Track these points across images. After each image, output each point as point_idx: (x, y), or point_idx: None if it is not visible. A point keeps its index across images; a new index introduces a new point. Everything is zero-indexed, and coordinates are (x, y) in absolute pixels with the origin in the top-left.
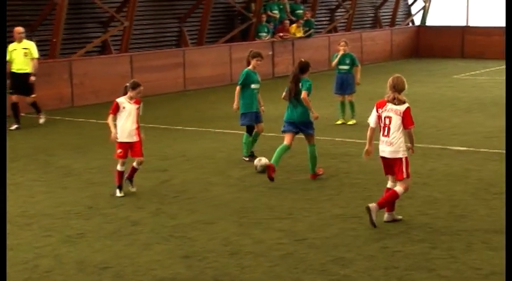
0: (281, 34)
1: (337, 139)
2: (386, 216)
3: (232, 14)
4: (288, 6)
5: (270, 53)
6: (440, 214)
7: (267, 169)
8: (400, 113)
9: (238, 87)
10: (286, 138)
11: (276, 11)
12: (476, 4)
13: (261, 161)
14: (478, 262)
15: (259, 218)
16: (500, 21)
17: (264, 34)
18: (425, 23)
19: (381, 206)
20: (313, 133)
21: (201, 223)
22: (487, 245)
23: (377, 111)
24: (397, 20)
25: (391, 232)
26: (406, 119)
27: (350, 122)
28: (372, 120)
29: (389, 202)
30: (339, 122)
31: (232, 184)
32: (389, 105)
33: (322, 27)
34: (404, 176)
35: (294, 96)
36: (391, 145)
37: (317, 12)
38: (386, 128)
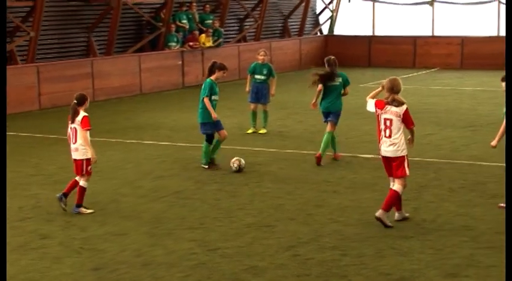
0: (190, 44)
1: (248, 148)
2: (396, 215)
3: (141, 23)
4: (197, 16)
5: (180, 62)
6: (351, 221)
7: (315, 159)
8: (400, 115)
9: (206, 99)
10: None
11: (185, 21)
12: (382, 14)
13: (242, 161)
14: (388, 268)
15: (171, 228)
16: (407, 31)
17: (174, 44)
18: (333, 32)
19: (386, 209)
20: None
21: (112, 235)
22: (396, 250)
23: (376, 111)
24: (306, 29)
25: (303, 240)
26: (407, 120)
27: (261, 131)
28: (370, 105)
29: (393, 202)
30: (250, 131)
31: (143, 195)
32: (389, 107)
33: (232, 37)
34: (406, 173)
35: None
36: (394, 145)
37: (226, 21)
38: (388, 130)
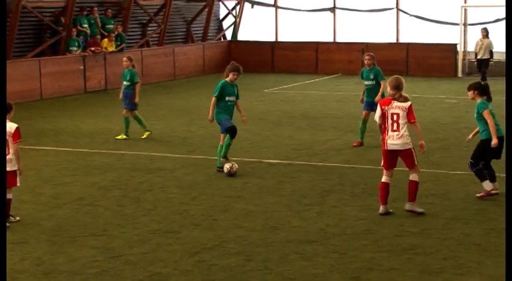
0: (92, 48)
1: (151, 154)
2: (408, 206)
3: (41, 27)
4: (98, 21)
5: (81, 67)
6: (255, 226)
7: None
8: (405, 109)
9: (213, 99)
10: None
11: (86, 25)
12: (285, 20)
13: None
14: (292, 272)
15: (73, 236)
16: (309, 37)
17: (75, 48)
18: (236, 38)
19: (412, 199)
20: None
21: (12, 243)
22: (300, 255)
23: (381, 110)
24: (209, 35)
25: (207, 245)
26: (410, 114)
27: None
28: (377, 117)
29: (416, 191)
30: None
31: (44, 202)
32: (395, 103)
33: (135, 42)
34: (416, 163)
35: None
36: (402, 138)
37: (129, 26)
38: (395, 124)
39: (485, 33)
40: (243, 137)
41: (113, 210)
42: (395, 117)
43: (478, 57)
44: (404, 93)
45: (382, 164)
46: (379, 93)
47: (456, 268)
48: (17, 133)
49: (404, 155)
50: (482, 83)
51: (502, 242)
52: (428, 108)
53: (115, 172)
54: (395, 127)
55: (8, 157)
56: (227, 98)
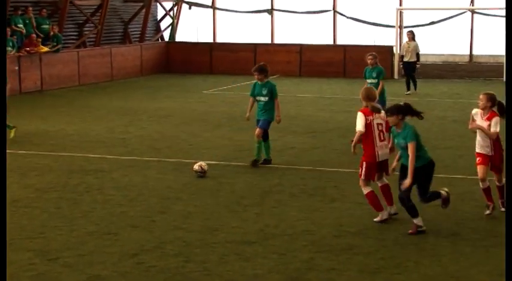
0: (28, 49)
1: (89, 155)
2: (392, 210)
3: None
4: (33, 21)
5: (16, 68)
6: (194, 227)
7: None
8: (385, 119)
9: (251, 98)
10: None
11: (21, 25)
12: (223, 21)
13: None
14: (232, 273)
15: (9, 238)
16: (247, 39)
17: (9, 48)
18: (174, 39)
19: (393, 202)
20: None
21: None
22: (239, 256)
23: (366, 120)
24: (147, 35)
25: (146, 247)
26: (387, 124)
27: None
28: (362, 125)
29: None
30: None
31: None
32: (377, 113)
33: (71, 42)
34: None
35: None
36: (387, 147)
37: (65, 27)
38: (381, 134)
39: (412, 36)
40: (182, 138)
41: (49, 212)
42: (380, 127)
43: (405, 60)
44: (375, 104)
45: (364, 177)
46: (378, 92)
47: (394, 267)
48: None
49: (386, 164)
50: (403, 104)
51: (439, 242)
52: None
53: (52, 174)
54: (382, 137)
55: None
56: (257, 98)
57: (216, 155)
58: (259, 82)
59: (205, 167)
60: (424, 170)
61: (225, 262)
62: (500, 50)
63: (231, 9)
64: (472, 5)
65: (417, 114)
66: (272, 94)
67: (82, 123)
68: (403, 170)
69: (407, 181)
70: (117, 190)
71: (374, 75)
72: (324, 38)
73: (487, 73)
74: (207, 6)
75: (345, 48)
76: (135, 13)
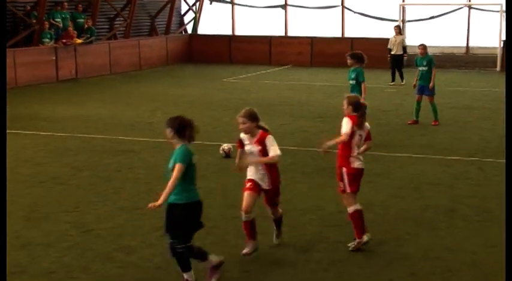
0: (64, 41)
1: (119, 137)
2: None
3: (15, 20)
4: (69, 15)
5: (53, 58)
6: (215, 202)
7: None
8: (367, 131)
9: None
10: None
11: (59, 19)
12: (241, 16)
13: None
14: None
15: (48, 212)
16: (263, 31)
17: (47, 40)
18: (196, 31)
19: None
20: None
21: None
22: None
23: (352, 128)
24: (171, 28)
25: None
26: (369, 135)
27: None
28: (347, 135)
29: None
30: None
31: (21, 181)
32: (364, 124)
33: (103, 35)
34: None
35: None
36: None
37: (97, 20)
38: (358, 145)
39: (398, 30)
40: (206, 122)
41: (84, 188)
42: (360, 138)
43: (392, 52)
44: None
45: (347, 189)
46: (432, 79)
47: (394, 239)
48: None
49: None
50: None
51: (436, 217)
52: (371, 97)
53: (86, 154)
54: (358, 149)
55: None
56: (349, 82)
57: (235, 138)
58: (351, 67)
59: (231, 150)
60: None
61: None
62: (494, 42)
63: (248, 4)
64: (469, 1)
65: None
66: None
67: (113, 108)
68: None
69: (157, 203)
70: (145, 169)
71: (424, 63)
72: (333, 31)
73: (482, 64)
74: (226, 2)
75: (352, 40)
76: (161, 8)
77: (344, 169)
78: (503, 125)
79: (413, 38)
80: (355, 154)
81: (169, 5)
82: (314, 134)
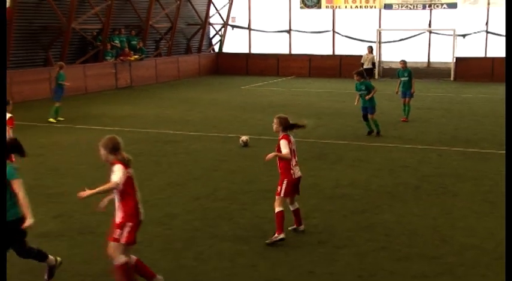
0: (122, 58)
1: (165, 131)
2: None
3: (85, 43)
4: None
5: (113, 71)
6: (237, 180)
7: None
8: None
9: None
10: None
11: (117, 42)
12: (256, 38)
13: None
14: (262, 212)
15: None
16: (272, 50)
17: (109, 58)
18: (221, 50)
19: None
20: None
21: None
22: (267, 200)
23: (289, 144)
24: (203, 48)
25: (204, 193)
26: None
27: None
28: (288, 153)
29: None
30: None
31: (92, 164)
32: (292, 138)
33: (151, 53)
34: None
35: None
36: (297, 165)
37: (147, 42)
38: (296, 157)
39: (370, 50)
40: (227, 119)
41: (140, 169)
42: (295, 151)
43: (364, 66)
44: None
45: (283, 194)
46: (413, 86)
47: (374, 208)
48: (10, 121)
49: (299, 182)
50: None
51: (405, 191)
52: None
53: (140, 143)
54: (296, 158)
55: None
56: (359, 92)
57: (251, 132)
58: (358, 81)
59: (248, 141)
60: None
61: (258, 204)
62: (449, 58)
63: (261, 29)
64: (429, 27)
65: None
66: (368, 88)
67: (159, 108)
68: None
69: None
70: (185, 154)
71: (406, 74)
72: (325, 50)
73: (440, 75)
74: (244, 28)
75: (341, 57)
76: (194, 32)
77: (286, 180)
78: (456, 121)
79: (388, 55)
80: (294, 164)
81: (201, 31)
82: (312, 128)
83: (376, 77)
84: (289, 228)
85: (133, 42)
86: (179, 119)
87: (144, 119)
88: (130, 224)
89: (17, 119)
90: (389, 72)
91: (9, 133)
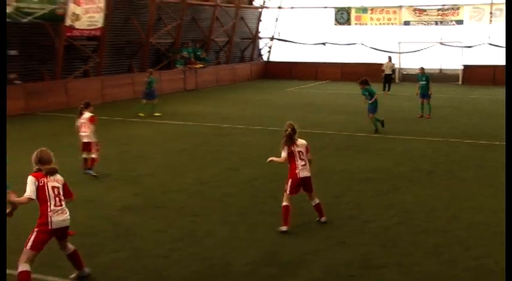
0: (189, 66)
1: (223, 125)
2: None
3: (160, 54)
4: (191, 51)
5: (182, 76)
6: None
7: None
8: (305, 147)
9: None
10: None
11: (186, 53)
12: (298, 49)
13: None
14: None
15: (184, 170)
16: (312, 59)
17: (179, 66)
18: (269, 59)
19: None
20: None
21: (141, 175)
22: None
23: (288, 148)
24: (254, 57)
25: (256, 177)
26: (308, 150)
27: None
28: (284, 158)
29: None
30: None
31: (166, 150)
32: (299, 142)
33: (212, 62)
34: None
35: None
36: (307, 167)
37: (209, 53)
38: (302, 158)
39: (390, 59)
40: (274, 117)
41: (202, 156)
42: (301, 154)
43: (385, 73)
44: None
45: (289, 191)
46: (430, 88)
47: (395, 190)
48: (91, 119)
49: (308, 181)
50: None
51: (421, 176)
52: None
53: (202, 135)
54: (303, 162)
55: (83, 134)
56: (365, 96)
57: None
58: (361, 89)
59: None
60: None
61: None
62: (457, 66)
63: (302, 42)
64: (441, 40)
65: None
66: (371, 94)
67: (218, 107)
68: None
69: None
70: (239, 145)
71: (424, 79)
72: (354, 58)
73: (450, 80)
74: (288, 41)
75: (367, 65)
76: (247, 45)
77: (290, 179)
78: (465, 118)
79: (406, 63)
80: (300, 167)
81: (252, 43)
82: (344, 124)
83: (397, 81)
84: (316, 220)
85: (198, 53)
86: (234, 116)
87: (207, 116)
88: (36, 229)
89: (106, 116)
90: (407, 78)
91: (90, 129)
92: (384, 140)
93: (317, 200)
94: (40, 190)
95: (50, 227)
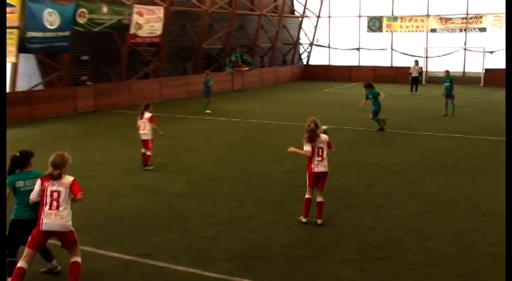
0: (237, 69)
1: (267, 121)
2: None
3: (210, 58)
4: (238, 55)
5: (231, 78)
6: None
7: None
8: (326, 142)
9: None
10: None
11: (234, 57)
12: (333, 54)
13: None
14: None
15: (227, 162)
16: (345, 63)
17: (228, 69)
18: (308, 63)
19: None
20: None
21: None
22: (339, 172)
23: (311, 144)
24: (295, 61)
25: (292, 168)
26: (330, 145)
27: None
28: (309, 151)
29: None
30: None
31: (212, 144)
32: (320, 139)
33: (257, 65)
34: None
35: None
36: (325, 162)
37: (254, 57)
38: (321, 154)
39: (416, 63)
40: (311, 114)
41: (247, 150)
42: (320, 150)
43: (412, 75)
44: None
45: (308, 184)
46: (454, 89)
47: (421, 181)
48: (151, 119)
49: (323, 177)
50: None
51: (445, 168)
52: (406, 100)
53: (246, 130)
54: (322, 157)
55: (143, 132)
56: (368, 99)
57: (329, 122)
58: (366, 91)
59: (327, 129)
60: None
61: (332, 177)
62: (479, 69)
63: (338, 47)
64: (465, 45)
65: None
66: (375, 96)
67: (261, 105)
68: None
69: None
70: (279, 139)
71: (448, 81)
72: (385, 62)
73: (472, 82)
74: (325, 46)
75: (397, 68)
76: (289, 50)
77: (307, 173)
78: (485, 116)
79: (433, 66)
80: (316, 161)
81: (293, 49)
82: (371, 122)
83: (424, 82)
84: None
85: (245, 57)
86: (276, 113)
87: (251, 113)
88: (34, 229)
89: (164, 113)
90: (433, 80)
91: (148, 128)
92: (411, 136)
93: (321, 199)
94: (42, 193)
95: (40, 228)
